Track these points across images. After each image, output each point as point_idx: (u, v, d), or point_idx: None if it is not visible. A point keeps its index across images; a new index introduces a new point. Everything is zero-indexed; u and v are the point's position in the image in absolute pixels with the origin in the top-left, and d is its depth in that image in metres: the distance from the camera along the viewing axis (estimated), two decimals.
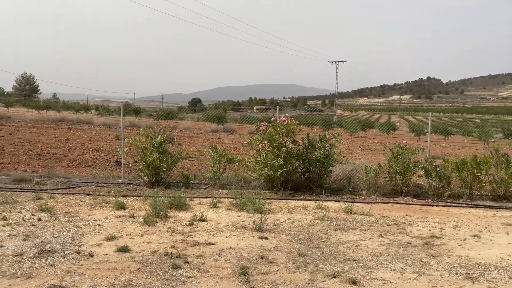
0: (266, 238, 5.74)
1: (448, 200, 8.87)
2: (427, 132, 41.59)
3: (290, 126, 9.35)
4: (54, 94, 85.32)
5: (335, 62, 71.13)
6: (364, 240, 5.80)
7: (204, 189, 9.31)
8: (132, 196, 8.30)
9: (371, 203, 8.28)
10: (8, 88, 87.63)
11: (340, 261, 4.91)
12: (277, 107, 11.41)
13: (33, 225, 6.01)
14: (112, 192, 8.58)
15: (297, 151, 9.21)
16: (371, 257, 5.06)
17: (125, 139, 9.72)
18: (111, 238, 5.48)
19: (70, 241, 5.36)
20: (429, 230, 6.39)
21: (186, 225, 6.28)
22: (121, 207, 7.20)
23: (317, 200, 8.19)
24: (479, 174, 9.05)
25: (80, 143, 17.47)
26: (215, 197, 8.06)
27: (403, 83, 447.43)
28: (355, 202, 8.08)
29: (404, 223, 6.79)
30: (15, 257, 4.68)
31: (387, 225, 6.63)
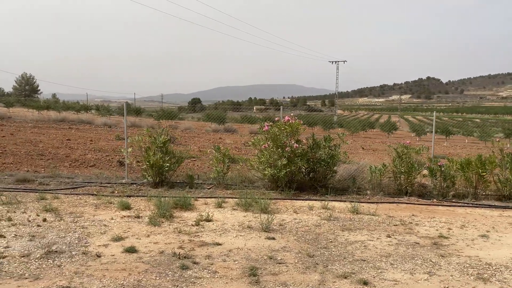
0: (273, 238, 5.70)
1: (453, 200, 8.83)
2: (428, 132, 41.53)
3: (294, 125, 9.31)
4: (54, 94, 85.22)
5: (335, 62, 71.13)
6: (372, 240, 5.76)
7: (208, 189, 9.27)
8: (137, 196, 8.26)
9: (377, 203, 8.24)
10: (8, 88, 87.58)
11: (350, 261, 4.87)
12: (281, 107, 11.38)
13: (38, 225, 5.96)
14: (116, 192, 8.54)
15: (301, 151, 9.17)
16: (380, 258, 5.03)
17: (128, 139, 9.68)
18: (118, 239, 5.44)
19: (76, 241, 5.32)
20: (437, 230, 6.36)
21: (192, 225, 6.24)
22: (126, 207, 7.16)
23: (322, 200, 8.16)
24: (484, 173, 9.02)
25: (81, 143, 17.41)
26: (220, 197, 8.02)
27: (403, 83, 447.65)
28: (360, 202, 8.05)
29: (411, 223, 6.75)
30: (22, 258, 4.64)
31: (394, 225, 6.60)
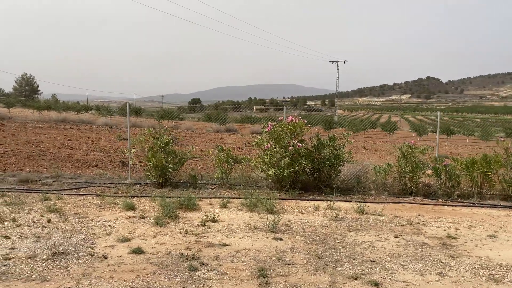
0: (280, 239, 5.65)
1: (459, 200, 8.77)
2: (430, 131, 41.44)
3: (298, 125, 9.26)
4: (54, 95, 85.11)
5: (336, 61, 71.11)
6: (380, 240, 5.71)
7: (212, 189, 9.22)
8: (141, 196, 8.21)
9: (382, 203, 8.19)
10: (8, 88, 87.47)
11: (359, 262, 4.82)
12: (284, 107, 11.32)
13: (43, 226, 5.91)
14: (120, 192, 8.49)
15: (305, 150, 9.12)
16: (389, 258, 4.98)
17: (131, 139, 9.63)
18: (124, 240, 5.39)
19: (82, 242, 5.26)
20: (444, 230, 6.31)
21: (198, 225, 6.19)
22: (131, 207, 7.11)
23: (327, 200, 8.11)
24: (490, 173, 8.97)
25: (83, 144, 17.37)
26: (225, 198, 7.97)
27: (403, 82, 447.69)
28: (365, 202, 7.99)
29: (418, 223, 6.70)
30: (28, 260, 4.59)
31: (401, 225, 6.55)
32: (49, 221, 6.17)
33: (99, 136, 21.14)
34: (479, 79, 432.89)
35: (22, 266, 4.41)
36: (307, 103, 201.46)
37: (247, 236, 5.76)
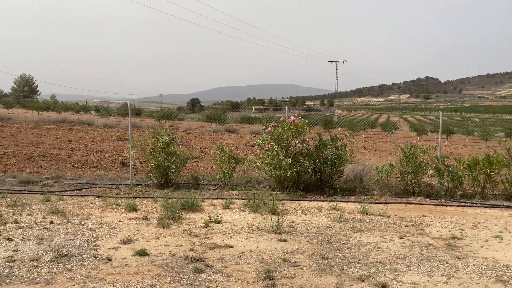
0: (285, 240, 5.61)
1: (462, 200, 8.75)
2: (429, 131, 41.41)
3: (300, 125, 9.23)
4: (53, 95, 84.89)
5: (335, 61, 71.13)
6: (385, 241, 5.68)
7: (214, 190, 9.18)
8: (143, 197, 8.17)
9: (385, 203, 8.16)
10: (7, 89, 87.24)
11: (365, 264, 4.79)
12: (286, 107, 11.28)
13: (45, 228, 5.87)
14: (122, 193, 8.45)
15: (306, 151, 9.09)
16: (395, 260, 4.94)
17: (133, 140, 9.60)
18: (127, 241, 5.35)
19: (85, 244, 5.22)
20: (449, 231, 6.28)
21: (201, 227, 6.16)
22: (133, 209, 7.08)
23: (330, 201, 8.07)
24: (492, 173, 8.95)
25: (83, 144, 17.32)
26: (227, 198, 7.93)
27: (401, 82, 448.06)
28: (368, 202, 7.96)
29: (422, 223, 6.68)
30: (32, 262, 4.55)
31: (405, 226, 6.52)
32: (51, 222, 6.13)
33: (99, 137, 21.09)
34: (478, 79, 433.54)
35: (25, 268, 4.37)
36: (306, 103, 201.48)
37: (251, 237, 5.72)
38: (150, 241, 5.42)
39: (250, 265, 4.66)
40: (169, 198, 7.46)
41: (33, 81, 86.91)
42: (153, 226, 6.15)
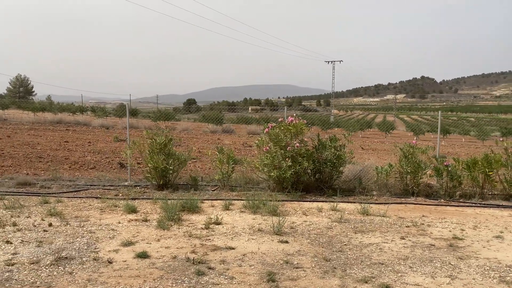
0: (286, 242, 5.58)
1: (461, 200, 8.75)
2: (426, 131, 41.52)
3: (298, 126, 9.21)
4: (49, 96, 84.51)
5: (331, 61, 71.21)
6: (387, 242, 5.66)
7: (213, 191, 9.15)
8: (142, 199, 8.12)
9: (385, 203, 8.15)
10: (2, 90, 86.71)
11: (367, 265, 4.77)
12: (285, 107, 11.25)
13: (44, 230, 5.81)
14: (121, 195, 8.40)
15: (305, 151, 9.07)
16: (398, 261, 4.93)
17: (130, 141, 9.54)
18: (128, 244, 5.30)
19: (85, 247, 5.17)
20: (450, 231, 6.27)
21: (202, 228, 6.12)
22: (132, 210, 7.03)
23: (330, 201, 8.06)
24: (491, 173, 8.96)
25: (80, 145, 17.22)
26: (227, 199, 7.89)
27: (397, 82, 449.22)
28: (368, 203, 7.94)
29: (423, 224, 6.67)
30: (32, 265, 4.50)
31: (406, 226, 6.51)
32: (50, 225, 6.07)
33: (96, 138, 20.99)
34: (473, 79, 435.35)
35: (25, 272, 4.32)
36: (303, 103, 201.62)
37: (252, 239, 5.69)
38: (150, 243, 5.38)
39: (253, 267, 4.63)
40: (169, 199, 7.41)
41: (29, 82, 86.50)
42: (153, 228, 6.11)
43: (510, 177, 9.05)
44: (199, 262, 4.68)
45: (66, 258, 4.73)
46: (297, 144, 8.90)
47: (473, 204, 8.37)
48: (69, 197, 8.07)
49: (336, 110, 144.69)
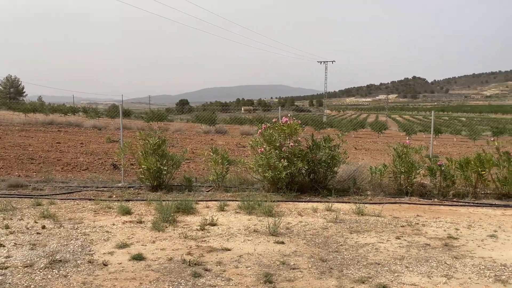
0: (282, 242, 5.57)
1: (454, 200, 8.80)
2: (418, 131, 41.74)
3: (292, 126, 9.21)
4: (40, 97, 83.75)
5: (324, 62, 71.41)
6: (382, 242, 5.67)
7: (207, 192, 9.11)
8: (136, 200, 8.06)
9: (380, 203, 8.17)
10: None
11: (364, 265, 4.77)
12: (279, 107, 11.24)
13: (38, 233, 5.75)
14: (114, 196, 8.33)
15: (299, 151, 9.08)
16: (394, 260, 4.93)
17: (123, 142, 9.48)
18: (123, 246, 5.26)
19: (80, 249, 5.12)
20: (444, 230, 6.30)
21: (197, 230, 6.08)
22: (127, 212, 6.97)
23: (325, 201, 8.07)
24: (484, 172, 9.03)
25: (72, 146, 17.08)
26: (222, 200, 7.87)
27: (389, 82, 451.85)
28: (363, 203, 7.94)
29: (418, 223, 6.69)
30: (26, 268, 4.43)
31: (401, 226, 6.53)
32: (43, 227, 6.01)
33: (88, 139, 20.83)
34: (464, 79, 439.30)
35: (19, 275, 4.25)
36: (295, 104, 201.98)
37: (248, 240, 5.67)
38: (146, 245, 5.34)
39: (249, 268, 4.61)
40: (163, 200, 7.37)
41: (19, 83, 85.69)
42: (148, 229, 6.07)
43: (503, 176, 9.12)
44: (195, 264, 4.65)
45: (61, 261, 4.67)
46: (292, 144, 8.90)
47: (467, 204, 8.43)
48: (62, 199, 7.98)
49: (329, 110, 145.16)
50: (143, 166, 8.92)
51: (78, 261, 4.69)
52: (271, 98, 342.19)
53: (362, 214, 7.19)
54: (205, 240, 5.60)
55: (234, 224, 6.45)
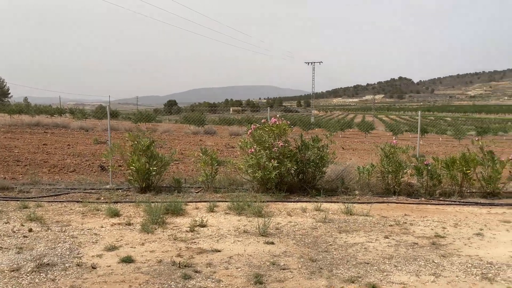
0: (272, 243, 5.58)
1: (441, 199, 8.92)
2: (404, 131, 42.15)
3: (281, 127, 9.25)
4: (25, 98, 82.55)
5: (311, 63, 71.72)
6: (371, 242, 5.72)
7: (197, 193, 9.08)
8: (124, 202, 8.00)
9: (367, 203, 8.24)
10: None
11: (353, 264, 4.81)
12: (268, 108, 11.26)
13: (24, 236, 5.67)
14: (102, 198, 8.25)
15: (288, 151, 9.11)
16: (383, 260, 4.98)
17: (111, 143, 9.40)
18: (111, 248, 5.21)
19: (68, 252, 5.06)
20: (432, 229, 6.38)
21: (187, 231, 6.06)
22: (115, 214, 6.91)
23: (314, 201, 8.11)
24: (469, 171, 9.16)
25: (59, 148, 16.87)
26: (211, 201, 7.85)
27: (376, 83, 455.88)
28: (352, 202, 8.00)
29: (405, 223, 6.77)
30: (12, 273, 4.37)
31: (389, 225, 6.59)
32: (30, 230, 5.92)
33: (75, 140, 20.60)
34: (449, 79, 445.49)
35: (6, 280, 4.19)
36: (283, 104, 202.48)
37: (238, 241, 5.67)
38: (135, 247, 5.30)
39: (239, 269, 4.61)
40: (152, 202, 7.34)
41: (4, 84, 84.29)
42: (137, 231, 6.03)
43: (487, 175, 9.28)
44: (185, 266, 4.63)
45: (48, 264, 4.62)
46: (281, 144, 8.93)
47: (453, 202, 8.55)
48: (49, 202, 7.88)
49: (316, 111, 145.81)
50: (131, 167, 8.86)
51: (66, 265, 4.64)
52: (260, 98, 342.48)
53: (350, 214, 7.24)
54: (195, 242, 5.58)
55: (224, 225, 6.45)
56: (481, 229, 6.40)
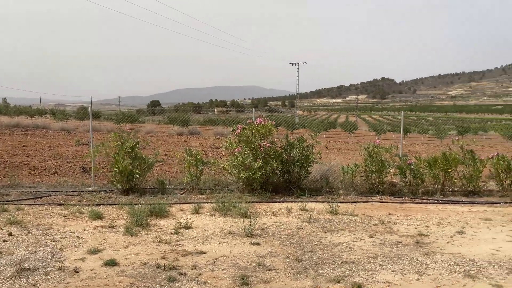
0: (258, 244, 5.57)
1: (424, 197, 9.04)
2: (387, 130, 42.61)
3: (267, 127, 9.24)
4: (4, 99, 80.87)
5: (296, 63, 72.02)
6: (356, 241, 5.76)
7: (181, 194, 9.01)
8: (107, 204, 7.88)
9: (352, 202, 8.29)
10: None
11: (339, 264, 4.83)
12: (253, 109, 11.25)
13: (4, 240, 5.53)
14: (85, 201, 8.12)
15: (274, 152, 9.11)
16: (368, 259, 5.02)
17: (97, 144, 9.25)
18: (94, 251, 5.12)
19: (49, 256, 4.95)
20: (415, 228, 6.46)
21: (171, 233, 6.00)
22: (98, 216, 6.80)
23: (299, 201, 8.13)
24: (450, 170, 9.31)
25: (39, 150, 16.53)
26: (196, 203, 7.80)
27: (359, 83, 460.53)
28: (336, 202, 8.04)
29: (389, 222, 6.83)
30: None
31: (374, 224, 6.65)
32: (10, 234, 5.78)
33: (56, 142, 20.23)
34: (430, 80, 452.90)
35: None
36: (268, 104, 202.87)
37: (224, 242, 5.64)
38: (118, 250, 5.22)
39: (225, 271, 4.58)
40: (135, 204, 7.24)
41: None
42: (121, 234, 5.94)
43: (469, 174, 9.44)
44: (170, 268, 4.58)
45: (29, 269, 4.51)
46: (268, 144, 8.93)
47: (435, 201, 8.67)
48: (29, 204, 7.71)
49: (301, 111, 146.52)
50: (115, 168, 8.73)
51: (48, 269, 4.54)
52: (244, 99, 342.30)
53: (335, 213, 7.28)
54: (180, 244, 5.53)
55: (209, 227, 6.41)
56: (463, 227, 6.51)
